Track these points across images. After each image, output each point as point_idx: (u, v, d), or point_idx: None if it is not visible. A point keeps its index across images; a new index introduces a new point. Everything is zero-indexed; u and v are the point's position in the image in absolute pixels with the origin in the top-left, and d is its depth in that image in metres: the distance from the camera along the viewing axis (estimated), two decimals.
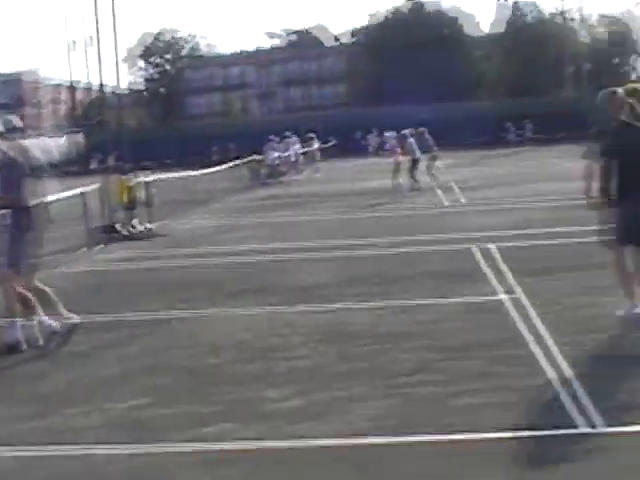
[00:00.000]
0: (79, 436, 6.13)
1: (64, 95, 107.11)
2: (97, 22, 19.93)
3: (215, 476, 5.36)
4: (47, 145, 68.84)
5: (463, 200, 22.94)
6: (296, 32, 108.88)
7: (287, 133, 40.11)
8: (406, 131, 28.09)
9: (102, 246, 17.52)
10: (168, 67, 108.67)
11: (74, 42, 67.22)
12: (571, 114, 59.12)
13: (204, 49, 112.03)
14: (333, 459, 5.50)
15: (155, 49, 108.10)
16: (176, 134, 69.11)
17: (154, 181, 21.34)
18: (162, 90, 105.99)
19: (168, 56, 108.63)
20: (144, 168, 26.48)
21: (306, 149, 42.53)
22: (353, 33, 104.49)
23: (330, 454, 5.58)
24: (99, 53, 20.14)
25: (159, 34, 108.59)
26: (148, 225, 19.54)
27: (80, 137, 71.25)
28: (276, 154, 39.09)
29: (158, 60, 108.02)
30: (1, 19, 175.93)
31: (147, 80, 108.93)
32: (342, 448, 5.65)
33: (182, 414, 6.51)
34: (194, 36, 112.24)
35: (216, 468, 5.48)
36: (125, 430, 6.23)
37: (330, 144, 53.79)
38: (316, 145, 42.67)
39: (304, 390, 6.89)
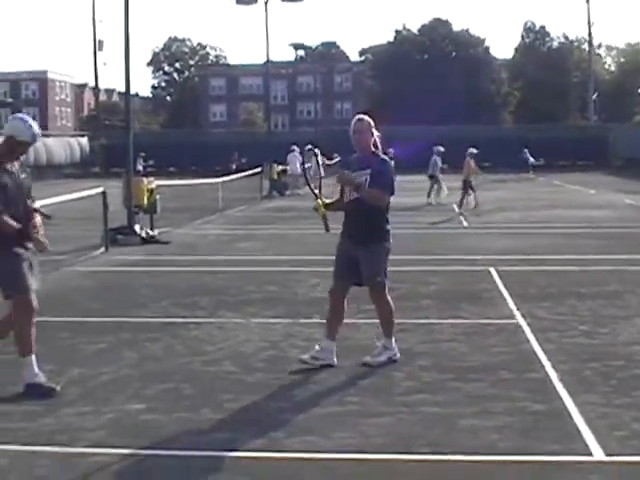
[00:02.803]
0: (72, 438, 6.09)
1: (87, 96, 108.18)
2: (127, 26, 20.03)
3: None
4: (71, 145, 69.35)
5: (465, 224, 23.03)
6: (323, 44, 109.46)
7: (293, 147, 39.55)
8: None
9: (118, 247, 17.66)
10: (186, 74, 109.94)
11: (100, 42, 67.41)
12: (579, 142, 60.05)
13: (212, 60, 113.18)
14: (328, 473, 5.48)
15: (165, 57, 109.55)
16: (196, 140, 69.47)
17: (158, 187, 21.36)
18: (175, 97, 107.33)
19: (178, 65, 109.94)
20: (145, 174, 26.42)
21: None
22: (361, 52, 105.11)
23: (325, 468, 5.54)
24: (127, 57, 20.21)
25: (171, 42, 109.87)
26: (150, 231, 19.58)
27: (84, 140, 71.61)
28: (299, 165, 39.10)
29: (167, 68, 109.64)
30: (8, 20, 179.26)
31: (154, 87, 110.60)
32: (337, 462, 5.61)
33: (179, 421, 6.47)
34: (204, 46, 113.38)
35: (208, 477, 5.45)
36: (120, 434, 6.17)
37: (335, 160, 53.64)
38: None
39: (306, 403, 6.89)
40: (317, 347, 8.11)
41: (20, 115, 7.72)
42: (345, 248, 8.12)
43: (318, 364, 7.91)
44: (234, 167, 51.15)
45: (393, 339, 8.17)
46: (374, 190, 7.87)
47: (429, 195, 29.66)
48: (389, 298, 8.19)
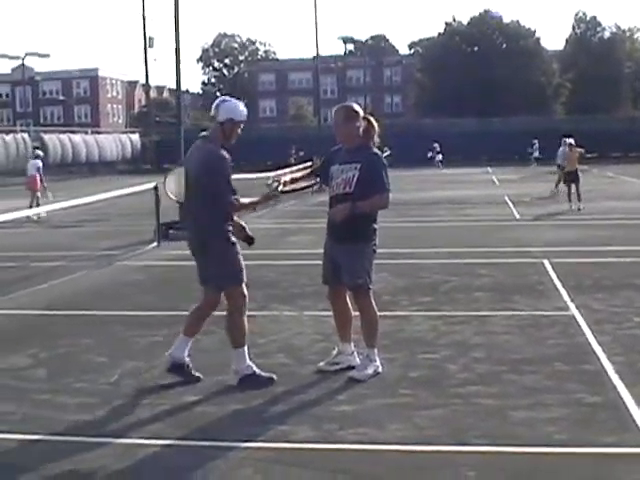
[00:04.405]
0: (128, 429, 6.16)
1: (138, 93, 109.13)
2: (177, 22, 20.16)
3: (267, 477, 5.34)
4: (122, 141, 70.08)
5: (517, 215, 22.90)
6: (373, 38, 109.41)
7: None
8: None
9: (170, 242, 17.77)
10: (235, 69, 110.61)
11: (150, 39, 67.67)
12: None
13: (262, 55, 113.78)
14: (382, 465, 5.45)
15: (215, 53, 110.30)
16: (247, 136, 69.66)
17: None
18: (225, 93, 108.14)
19: (227, 61, 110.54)
20: None
21: None
22: (411, 45, 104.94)
23: (379, 460, 5.53)
24: (177, 53, 20.34)
25: (220, 38, 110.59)
26: None
27: (136, 137, 72.29)
28: None
29: (217, 64, 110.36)
30: (59, 19, 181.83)
31: (204, 84, 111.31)
32: (391, 454, 5.61)
33: (233, 413, 6.53)
34: (253, 41, 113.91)
35: (262, 468, 5.45)
36: (175, 426, 6.22)
37: (386, 154, 53.66)
38: None
39: (359, 395, 6.87)
40: (334, 352, 7.77)
41: (227, 97, 7.55)
42: (328, 247, 7.59)
43: (334, 369, 7.58)
44: (293, 161, 51.07)
45: (376, 350, 7.54)
46: (372, 199, 7.25)
47: (557, 185, 29.28)
48: (374, 304, 7.57)
